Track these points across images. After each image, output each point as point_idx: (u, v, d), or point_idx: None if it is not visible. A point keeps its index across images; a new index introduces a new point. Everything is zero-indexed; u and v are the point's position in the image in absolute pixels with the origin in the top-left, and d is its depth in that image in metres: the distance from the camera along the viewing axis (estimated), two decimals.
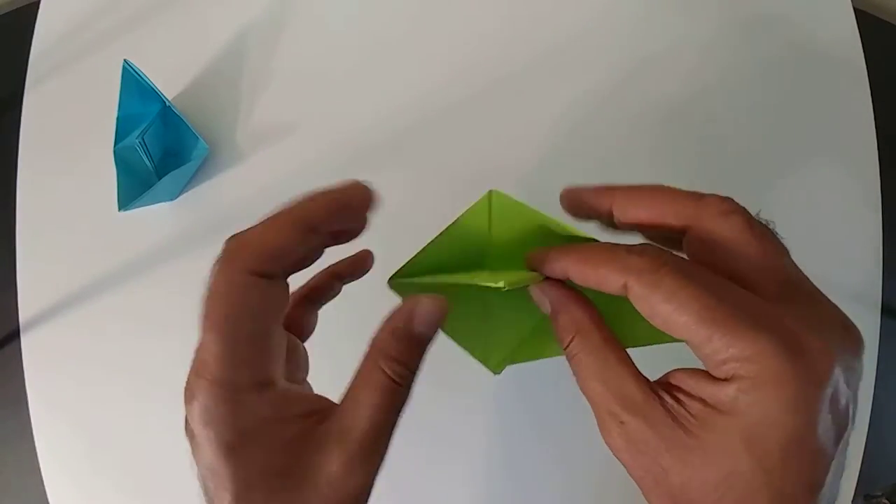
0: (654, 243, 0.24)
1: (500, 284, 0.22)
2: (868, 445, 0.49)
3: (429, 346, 0.23)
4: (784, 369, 0.18)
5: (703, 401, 0.20)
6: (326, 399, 0.24)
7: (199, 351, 0.22)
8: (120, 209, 0.51)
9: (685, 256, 0.23)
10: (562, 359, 0.24)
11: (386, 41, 0.59)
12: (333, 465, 0.21)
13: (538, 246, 0.25)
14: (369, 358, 0.23)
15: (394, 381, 0.22)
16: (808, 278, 0.22)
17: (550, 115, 0.56)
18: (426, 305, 0.23)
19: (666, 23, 0.58)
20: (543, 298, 0.24)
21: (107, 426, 0.53)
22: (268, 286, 0.22)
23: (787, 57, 0.57)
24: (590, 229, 0.25)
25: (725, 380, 0.19)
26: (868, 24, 0.60)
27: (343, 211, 0.24)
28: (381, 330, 0.23)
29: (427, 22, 0.59)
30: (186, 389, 0.22)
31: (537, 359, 0.27)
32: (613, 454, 0.21)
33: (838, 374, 0.19)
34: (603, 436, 0.22)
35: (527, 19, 0.58)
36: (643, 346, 0.23)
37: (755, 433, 0.18)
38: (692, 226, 0.23)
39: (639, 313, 0.21)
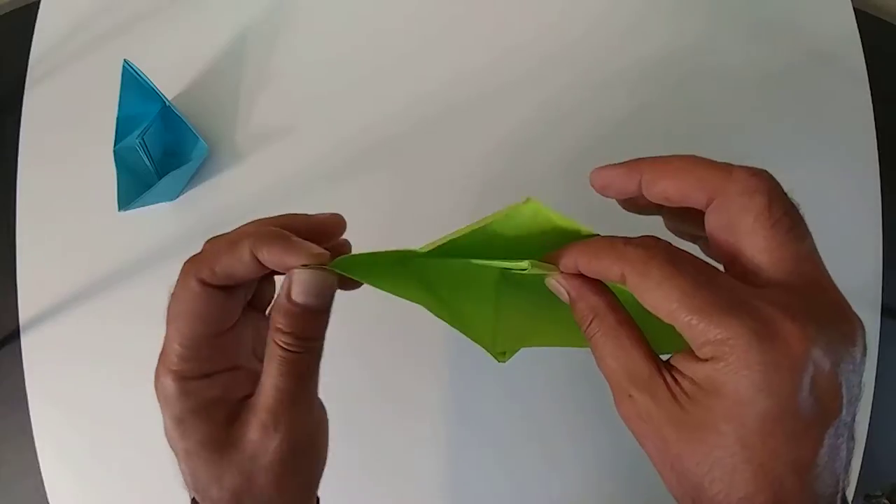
0: (680, 225, 0.27)
1: (524, 265, 0.24)
2: (868, 445, 0.49)
3: (322, 313, 0.26)
4: (753, 352, 0.20)
5: (692, 380, 0.21)
6: (248, 385, 0.28)
7: (164, 341, 0.27)
8: (120, 209, 0.51)
9: (702, 234, 0.25)
10: (555, 360, 0.25)
11: (385, 42, 0.59)
12: (251, 432, 0.26)
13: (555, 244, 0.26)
14: (269, 334, 0.26)
15: (287, 350, 0.25)
16: (818, 266, 0.23)
17: (550, 119, 0.56)
18: (301, 276, 0.25)
19: (665, 24, 0.58)
20: (561, 289, 0.25)
21: (107, 426, 0.53)
22: (217, 295, 0.26)
23: (787, 57, 0.57)
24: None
25: (707, 360, 0.21)
26: (868, 24, 0.60)
27: (292, 248, 0.25)
28: (273, 308, 0.26)
29: (427, 24, 0.59)
30: (155, 372, 0.27)
31: (556, 346, 0.28)
32: (625, 424, 0.23)
33: (817, 358, 0.20)
34: (617, 407, 0.24)
35: (525, 24, 0.58)
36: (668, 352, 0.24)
37: (734, 411, 0.20)
38: (716, 199, 0.23)
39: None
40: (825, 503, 0.20)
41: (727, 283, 0.21)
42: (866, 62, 0.56)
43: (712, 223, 0.24)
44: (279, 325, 0.25)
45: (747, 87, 0.57)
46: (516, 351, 0.29)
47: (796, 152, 0.55)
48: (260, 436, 0.26)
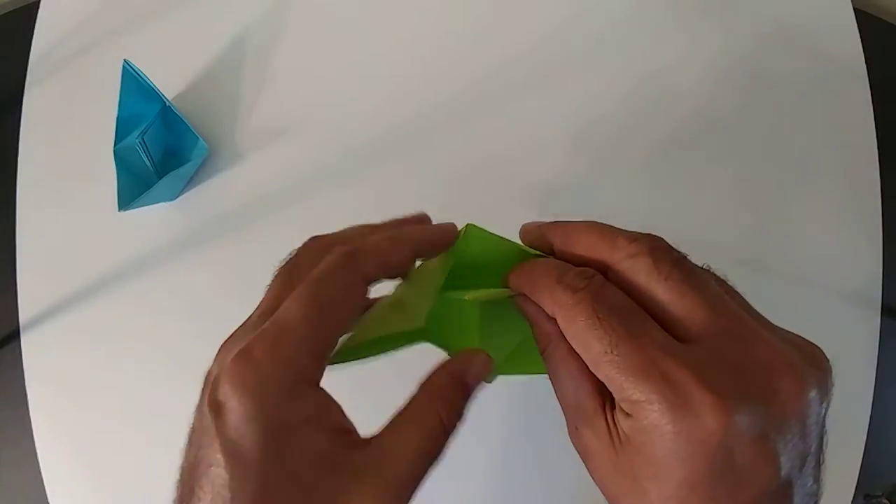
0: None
1: (468, 297, 0.24)
2: (868, 445, 0.49)
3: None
4: (665, 421, 0.19)
5: (622, 429, 0.21)
6: (350, 421, 0.23)
7: (281, 321, 0.21)
8: (120, 209, 0.51)
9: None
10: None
11: (386, 41, 0.59)
12: (365, 499, 0.20)
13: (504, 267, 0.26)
14: (424, 398, 0.23)
15: (444, 426, 0.22)
16: (737, 316, 0.21)
17: (554, 123, 0.56)
18: (482, 360, 0.24)
19: (664, 25, 0.58)
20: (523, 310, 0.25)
21: (107, 425, 0.53)
22: (366, 292, 0.23)
23: (787, 57, 0.57)
24: None
25: (629, 416, 0.20)
26: (868, 24, 0.60)
27: (438, 248, 0.26)
28: (439, 374, 0.23)
29: (427, 23, 0.59)
30: (242, 349, 0.20)
31: (525, 374, 0.28)
32: (576, 451, 0.24)
33: (738, 429, 0.19)
34: (569, 434, 0.24)
35: (527, 29, 0.58)
36: None
37: (653, 471, 0.20)
38: (610, 267, 0.23)
39: None
40: None
41: (651, 338, 0.20)
42: (866, 62, 0.56)
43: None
44: (450, 397, 0.23)
45: (747, 87, 0.57)
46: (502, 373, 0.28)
47: (796, 152, 0.55)
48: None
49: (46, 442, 0.53)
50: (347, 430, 0.22)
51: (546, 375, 0.25)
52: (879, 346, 0.51)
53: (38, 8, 0.61)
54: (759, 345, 0.21)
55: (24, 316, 0.55)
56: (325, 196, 0.55)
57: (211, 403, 0.20)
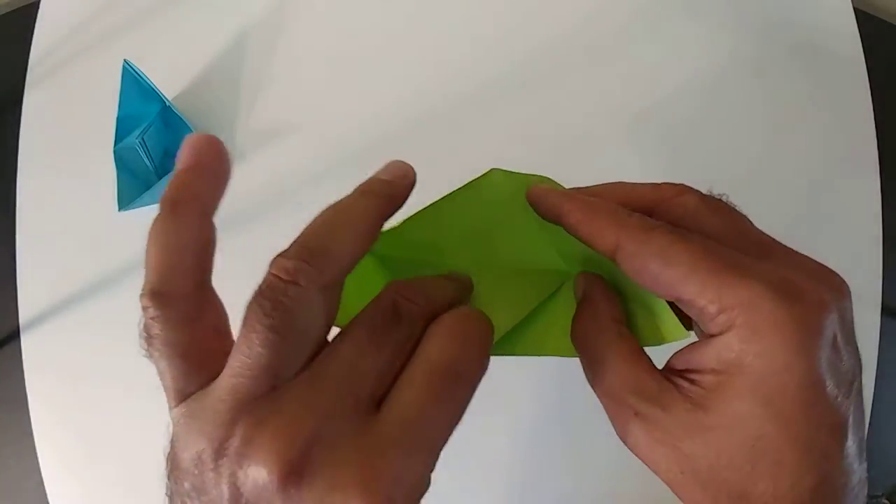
0: None
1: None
2: (868, 445, 0.49)
3: None
4: (781, 312, 0.18)
5: (713, 371, 0.19)
6: None
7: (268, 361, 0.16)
8: (120, 209, 0.51)
9: None
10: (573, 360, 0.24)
11: (385, 41, 0.59)
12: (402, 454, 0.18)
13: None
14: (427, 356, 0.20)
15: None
16: (776, 240, 0.22)
17: (553, 115, 0.56)
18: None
19: (665, 24, 0.58)
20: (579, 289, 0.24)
21: (106, 425, 0.53)
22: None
23: (788, 57, 0.57)
24: None
25: (723, 333, 0.18)
26: (868, 24, 0.60)
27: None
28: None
29: (426, 22, 0.59)
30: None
31: (533, 355, 0.26)
32: (633, 452, 0.21)
33: (834, 316, 0.18)
34: (620, 434, 0.21)
35: (528, 22, 0.58)
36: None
37: (768, 386, 0.18)
38: (655, 208, 0.22)
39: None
40: (859, 465, 0.19)
41: (733, 252, 0.19)
42: (866, 62, 0.56)
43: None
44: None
45: (747, 87, 0.57)
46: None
47: (796, 152, 0.55)
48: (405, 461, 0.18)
49: (46, 441, 0.53)
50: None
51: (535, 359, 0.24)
52: (879, 346, 0.51)
53: (38, 8, 0.61)
54: (805, 257, 0.21)
55: (24, 315, 0.55)
56: (325, 196, 0.55)
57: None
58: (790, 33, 0.58)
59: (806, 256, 0.21)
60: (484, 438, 0.51)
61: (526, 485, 0.51)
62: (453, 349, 0.18)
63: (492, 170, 0.24)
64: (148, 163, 0.54)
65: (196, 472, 0.16)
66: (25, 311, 0.55)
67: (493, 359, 0.24)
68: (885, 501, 0.51)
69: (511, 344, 0.26)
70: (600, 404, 0.22)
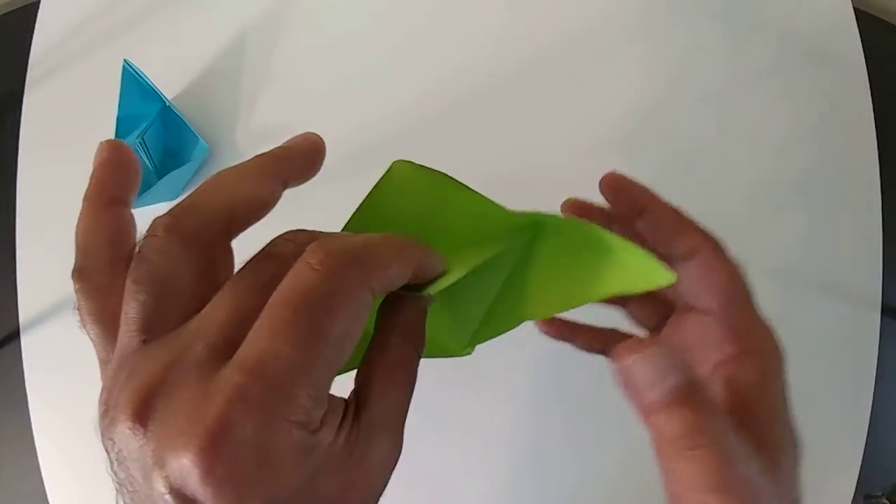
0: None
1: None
2: (868, 445, 0.49)
3: None
4: (729, 258, 0.28)
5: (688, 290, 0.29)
6: (335, 396, 0.19)
7: (271, 372, 0.15)
8: None
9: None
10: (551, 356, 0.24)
11: (385, 41, 0.59)
12: (383, 458, 0.19)
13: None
14: (402, 338, 0.20)
15: (420, 357, 0.21)
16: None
17: (555, 115, 0.56)
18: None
19: (665, 26, 0.58)
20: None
21: None
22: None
23: (787, 57, 0.57)
24: None
25: (693, 255, 0.28)
26: (868, 24, 0.60)
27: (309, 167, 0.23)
28: (410, 310, 0.21)
29: (426, 22, 0.59)
30: (213, 429, 0.15)
31: (503, 332, 0.26)
32: (684, 454, 0.20)
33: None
34: (676, 462, 0.21)
35: (529, 21, 0.58)
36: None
37: (725, 290, 0.29)
38: (696, 256, 0.29)
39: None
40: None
41: None
42: (866, 62, 0.56)
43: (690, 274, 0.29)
44: (421, 332, 0.21)
45: (747, 88, 0.57)
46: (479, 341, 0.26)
47: (796, 152, 0.55)
48: (392, 458, 0.19)
49: (46, 441, 0.53)
50: (347, 414, 0.18)
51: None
52: (879, 346, 0.51)
53: (38, 8, 0.61)
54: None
55: (24, 315, 0.55)
56: (325, 196, 0.55)
57: (174, 493, 0.15)
58: (790, 33, 0.58)
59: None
60: (484, 424, 0.51)
61: (527, 472, 0.51)
62: (312, 277, 0.16)
63: (395, 162, 0.24)
64: (148, 163, 0.54)
65: (100, 427, 0.17)
66: (25, 311, 0.55)
67: (490, 348, 0.24)
68: (885, 501, 0.51)
69: (494, 324, 0.26)
70: (600, 391, 0.23)
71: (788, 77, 0.57)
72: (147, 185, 0.52)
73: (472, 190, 0.23)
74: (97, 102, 0.55)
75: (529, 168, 0.55)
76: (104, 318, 0.19)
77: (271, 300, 0.16)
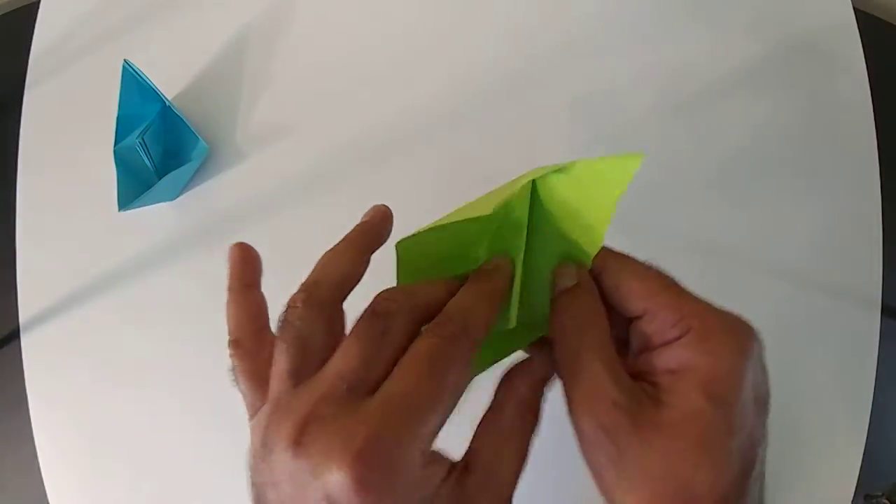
0: None
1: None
2: (868, 445, 0.49)
3: None
4: (726, 323, 0.23)
5: (669, 371, 0.23)
6: (442, 453, 0.23)
7: (406, 403, 0.20)
8: (120, 209, 0.51)
9: None
10: None
11: (386, 42, 0.59)
12: None
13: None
14: (516, 410, 0.24)
15: (534, 429, 0.24)
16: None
17: (554, 120, 0.56)
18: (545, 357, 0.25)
19: (665, 24, 0.58)
20: (571, 274, 0.26)
21: (107, 426, 0.53)
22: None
23: (787, 57, 0.57)
24: None
25: (681, 336, 0.23)
26: (868, 24, 0.60)
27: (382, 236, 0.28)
28: (525, 384, 0.25)
29: (427, 23, 0.59)
30: (363, 447, 0.19)
31: (506, 356, 0.27)
32: (588, 434, 0.23)
33: (758, 342, 0.23)
34: (583, 418, 0.23)
35: (526, 25, 0.58)
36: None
37: (715, 382, 0.22)
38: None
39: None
40: (762, 462, 0.23)
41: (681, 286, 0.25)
42: (866, 62, 0.56)
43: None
44: (535, 407, 0.24)
45: (747, 87, 0.57)
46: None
47: (796, 152, 0.55)
48: None
49: (47, 441, 0.53)
50: (452, 472, 0.22)
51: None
52: (879, 346, 0.51)
53: (38, 8, 0.61)
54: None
55: (24, 316, 0.55)
56: (325, 196, 0.55)
57: (328, 501, 0.19)
58: (790, 33, 0.58)
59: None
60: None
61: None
62: (437, 342, 0.22)
63: (398, 244, 0.25)
64: (148, 163, 0.54)
65: (254, 461, 0.21)
66: (25, 311, 0.55)
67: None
68: (885, 501, 0.51)
69: (489, 354, 0.27)
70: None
71: (788, 77, 0.57)
72: (147, 185, 0.52)
73: (457, 221, 0.25)
74: (97, 102, 0.55)
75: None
76: (254, 375, 0.25)
77: (407, 357, 0.21)
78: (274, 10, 0.60)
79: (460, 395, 0.22)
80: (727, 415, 0.21)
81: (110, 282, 0.55)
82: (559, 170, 0.25)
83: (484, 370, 0.27)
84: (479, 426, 0.24)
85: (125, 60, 0.52)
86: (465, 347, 0.22)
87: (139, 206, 0.52)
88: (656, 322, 0.23)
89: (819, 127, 0.56)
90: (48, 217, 0.57)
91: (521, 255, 0.27)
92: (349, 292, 0.25)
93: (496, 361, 0.27)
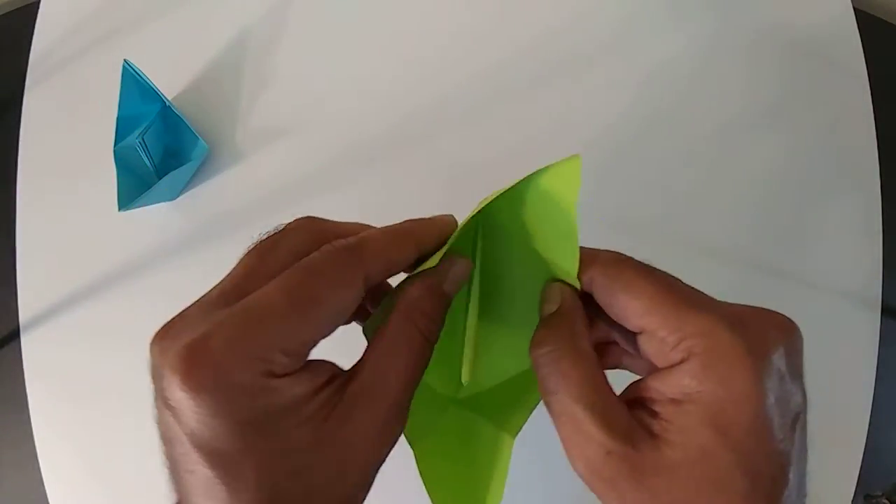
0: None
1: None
2: (868, 445, 0.49)
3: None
4: (737, 342, 0.19)
5: (672, 401, 0.20)
6: (330, 363, 0.22)
7: (254, 308, 0.19)
8: (120, 209, 0.51)
9: None
10: None
11: (385, 42, 0.59)
12: (367, 429, 0.20)
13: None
14: (401, 314, 0.22)
15: (426, 338, 0.22)
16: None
17: (557, 124, 0.56)
18: (462, 265, 0.24)
19: (664, 25, 0.58)
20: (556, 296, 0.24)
21: (106, 426, 0.53)
22: (362, 291, 0.21)
23: (787, 57, 0.57)
24: None
25: (684, 361, 0.20)
26: (868, 24, 0.60)
27: (438, 242, 0.24)
28: (415, 287, 0.23)
29: (426, 23, 0.59)
30: (195, 340, 0.18)
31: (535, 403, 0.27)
32: (588, 480, 0.21)
33: (781, 351, 0.20)
34: (577, 458, 0.21)
35: (528, 28, 0.58)
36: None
37: (726, 416, 0.19)
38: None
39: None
40: (798, 496, 0.20)
41: (691, 289, 0.22)
42: (866, 62, 0.56)
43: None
44: (428, 309, 0.22)
45: (747, 87, 0.57)
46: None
47: (796, 152, 0.55)
48: (375, 433, 0.21)
49: (47, 442, 0.53)
50: (330, 377, 0.21)
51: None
52: (879, 346, 0.51)
53: (38, 8, 0.61)
54: (750, 307, 0.23)
55: (24, 316, 0.55)
56: (325, 196, 0.55)
57: (164, 403, 0.19)
58: (790, 33, 0.58)
59: (749, 305, 0.22)
60: None
61: (527, 474, 0.51)
62: (316, 256, 0.21)
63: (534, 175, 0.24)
64: (148, 163, 0.54)
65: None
66: (25, 311, 0.55)
67: None
68: (885, 501, 0.51)
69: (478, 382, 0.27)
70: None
71: (787, 77, 0.57)
72: (147, 185, 0.52)
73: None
74: (97, 102, 0.55)
75: (529, 168, 0.55)
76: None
77: (286, 270, 0.20)
78: (274, 11, 0.60)
79: (338, 314, 0.20)
80: (741, 450, 0.19)
81: (110, 282, 0.55)
82: (502, 194, 0.24)
83: (519, 428, 0.27)
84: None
85: (125, 60, 0.52)
86: (346, 264, 0.21)
87: (139, 206, 0.52)
88: (655, 343, 0.21)
89: (819, 127, 0.56)
90: (48, 217, 0.57)
91: (475, 306, 0.25)
92: (384, 276, 0.23)
93: (528, 410, 0.27)
